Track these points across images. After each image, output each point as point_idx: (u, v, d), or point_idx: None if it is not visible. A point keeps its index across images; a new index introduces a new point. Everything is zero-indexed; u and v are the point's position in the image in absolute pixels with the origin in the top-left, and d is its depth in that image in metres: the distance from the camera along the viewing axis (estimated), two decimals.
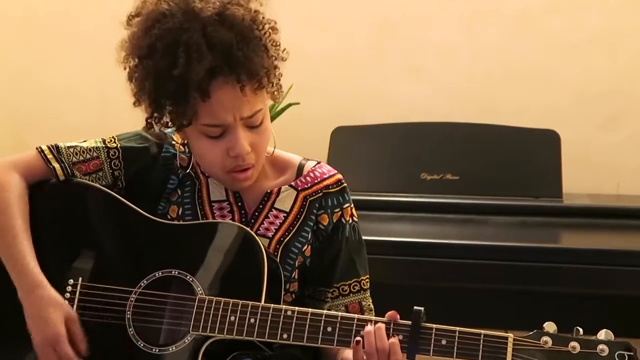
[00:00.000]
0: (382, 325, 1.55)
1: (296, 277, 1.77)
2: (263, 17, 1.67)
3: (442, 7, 3.42)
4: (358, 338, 1.56)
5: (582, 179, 3.10)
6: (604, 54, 3.30)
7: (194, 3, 1.62)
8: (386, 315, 1.58)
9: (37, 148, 1.79)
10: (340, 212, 1.80)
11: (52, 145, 1.78)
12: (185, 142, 1.78)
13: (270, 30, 1.67)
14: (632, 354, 1.46)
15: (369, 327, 1.56)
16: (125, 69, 1.68)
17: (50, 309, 1.65)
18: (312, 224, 1.78)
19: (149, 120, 1.69)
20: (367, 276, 1.82)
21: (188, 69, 1.58)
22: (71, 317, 1.66)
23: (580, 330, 1.51)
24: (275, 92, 1.71)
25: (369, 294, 1.82)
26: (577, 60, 3.31)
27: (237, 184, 1.74)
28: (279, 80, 1.70)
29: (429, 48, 3.42)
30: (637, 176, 3.23)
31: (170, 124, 1.69)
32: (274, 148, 1.80)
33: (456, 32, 3.41)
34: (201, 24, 1.60)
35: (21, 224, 1.71)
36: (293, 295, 1.78)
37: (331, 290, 1.79)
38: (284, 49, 1.70)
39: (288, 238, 1.77)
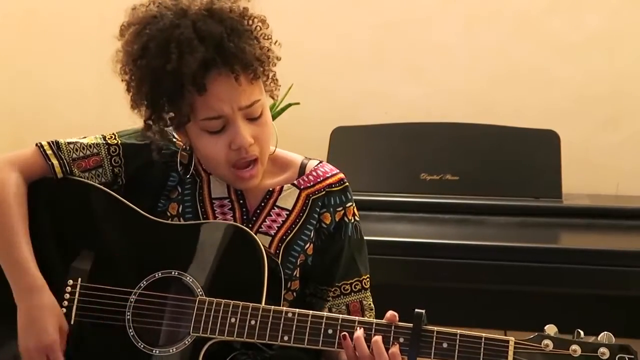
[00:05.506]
0: (379, 338, 1.55)
1: (298, 275, 1.78)
2: (252, 13, 1.69)
3: (442, 7, 3.42)
4: (344, 333, 1.56)
5: (581, 180, 3.10)
6: (603, 55, 3.29)
7: (183, 2, 1.66)
8: (385, 316, 1.59)
9: (37, 144, 1.78)
10: (342, 211, 1.80)
11: (52, 142, 1.78)
12: (188, 146, 1.78)
13: (260, 24, 1.69)
14: (632, 356, 1.46)
15: (358, 332, 1.56)
16: (122, 80, 1.69)
17: (49, 316, 1.65)
18: (314, 222, 1.79)
19: (147, 122, 1.70)
20: (368, 275, 1.82)
21: (181, 62, 1.59)
22: (63, 328, 1.67)
23: (581, 332, 1.51)
24: (273, 88, 1.72)
25: (369, 292, 1.82)
26: (577, 60, 3.30)
27: (241, 183, 1.73)
28: (274, 74, 1.71)
29: (429, 48, 3.42)
30: (637, 177, 3.23)
31: (169, 123, 1.69)
32: (275, 147, 1.80)
33: (456, 32, 3.40)
34: (191, 19, 1.63)
35: (20, 225, 1.70)
36: (294, 294, 1.78)
37: (332, 289, 1.79)
38: (276, 41, 1.71)
39: (290, 236, 1.77)
